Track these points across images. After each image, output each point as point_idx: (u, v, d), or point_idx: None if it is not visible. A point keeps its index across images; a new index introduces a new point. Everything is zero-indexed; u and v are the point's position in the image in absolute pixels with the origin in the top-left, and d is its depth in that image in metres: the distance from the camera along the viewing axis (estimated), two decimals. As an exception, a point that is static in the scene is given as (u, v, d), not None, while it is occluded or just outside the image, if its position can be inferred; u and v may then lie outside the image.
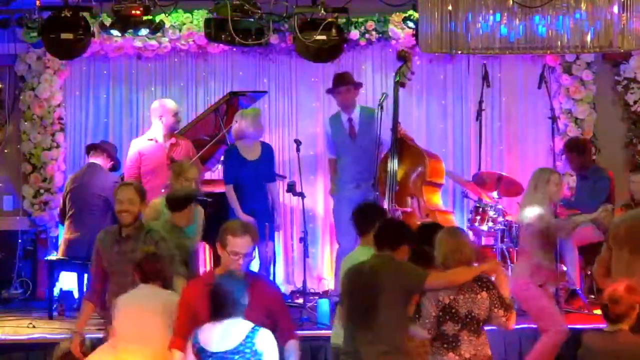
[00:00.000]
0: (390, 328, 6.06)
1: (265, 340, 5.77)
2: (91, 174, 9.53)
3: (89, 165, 9.63)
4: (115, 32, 9.48)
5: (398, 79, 9.84)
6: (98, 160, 9.60)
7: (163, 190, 9.22)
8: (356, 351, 6.13)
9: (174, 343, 6.11)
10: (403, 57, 9.78)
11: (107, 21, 9.54)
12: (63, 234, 9.74)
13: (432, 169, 9.82)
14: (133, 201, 7.15)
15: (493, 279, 6.56)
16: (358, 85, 10.00)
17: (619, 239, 7.36)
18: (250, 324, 5.77)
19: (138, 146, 9.68)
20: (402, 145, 9.83)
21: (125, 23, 9.43)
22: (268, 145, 9.73)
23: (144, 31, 9.55)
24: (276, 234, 9.84)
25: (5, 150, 10.81)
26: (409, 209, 9.66)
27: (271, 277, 9.77)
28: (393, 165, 9.72)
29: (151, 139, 9.65)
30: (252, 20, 9.45)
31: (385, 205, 9.54)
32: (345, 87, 9.87)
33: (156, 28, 9.55)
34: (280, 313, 6.22)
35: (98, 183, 9.46)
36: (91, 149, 9.76)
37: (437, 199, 9.91)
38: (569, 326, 8.62)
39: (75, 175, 9.73)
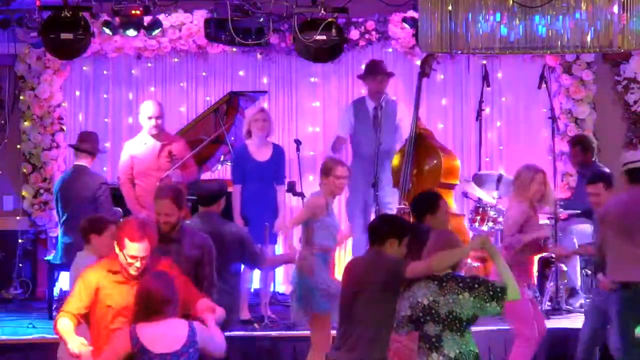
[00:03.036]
0: (370, 322, 6.12)
1: (202, 334, 5.77)
2: (77, 179, 9.48)
3: (75, 169, 9.59)
4: (130, 33, 9.52)
5: (423, 69, 9.81)
6: (83, 161, 9.56)
7: (158, 184, 9.22)
8: (341, 344, 6.25)
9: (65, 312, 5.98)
10: None
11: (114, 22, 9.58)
12: (60, 237, 9.71)
13: (447, 170, 9.72)
14: (169, 213, 6.93)
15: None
16: (391, 75, 9.97)
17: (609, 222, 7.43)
18: (185, 322, 5.76)
19: (129, 149, 9.63)
20: (419, 141, 9.78)
21: (126, 23, 9.46)
22: (279, 147, 9.72)
23: (132, 32, 9.60)
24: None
25: (5, 150, 10.81)
26: None
27: (272, 278, 9.81)
28: (409, 161, 9.68)
29: (141, 141, 9.64)
30: (252, 20, 9.47)
31: (398, 202, 9.56)
32: (382, 76, 9.82)
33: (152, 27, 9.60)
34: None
35: (85, 187, 9.42)
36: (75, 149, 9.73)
37: (450, 202, 9.84)
38: (568, 326, 8.67)
39: (62, 180, 9.67)
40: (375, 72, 9.86)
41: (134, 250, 5.96)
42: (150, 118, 9.51)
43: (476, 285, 6.01)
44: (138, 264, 5.98)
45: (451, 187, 9.84)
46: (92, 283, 6.04)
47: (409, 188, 9.66)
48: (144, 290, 5.76)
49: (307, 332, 8.06)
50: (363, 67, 10.32)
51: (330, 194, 7.99)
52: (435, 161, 9.74)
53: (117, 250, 6.04)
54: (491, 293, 5.99)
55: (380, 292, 6.15)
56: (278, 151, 9.60)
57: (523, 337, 7.77)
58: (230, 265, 7.49)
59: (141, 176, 9.51)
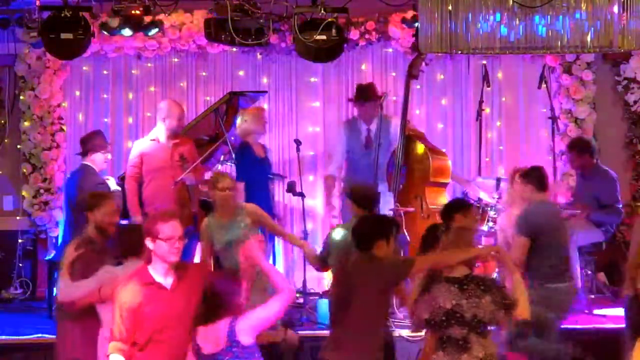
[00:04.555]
0: (365, 323, 6.15)
1: (242, 326, 5.82)
2: (79, 178, 9.51)
3: (79, 168, 9.64)
4: (126, 32, 9.52)
5: (410, 71, 9.81)
6: (87, 160, 9.59)
7: (172, 187, 9.25)
8: (334, 341, 6.29)
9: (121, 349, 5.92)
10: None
11: (113, 22, 9.55)
12: (62, 236, 9.71)
13: (435, 169, 9.74)
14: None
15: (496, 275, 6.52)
16: (382, 98, 9.92)
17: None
18: (226, 322, 5.83)
19: (140, 147, 9.64)
20: (409, 142, 9.78)
21: (130, 23, 9.46)
22: (265, 145, 9.82)
23: (153, 31, 9.61)
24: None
25: (5, 150, 10.81)
26: (411, 209, 9.63)
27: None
28: (399, 162, 9.69)
29: (153, 139, 9.63)
30: (252, 20, 9.46)
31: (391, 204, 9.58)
32: (372, 102, 9.80)
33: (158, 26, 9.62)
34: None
35: (84, 186, 9.44)
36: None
37: (443, 199, 9.81)
38: (568, 326, 8.65)
39: (67, 179, 9.71)
40: (362, 99, 9.84)
41: (168, 230, 5.96)
42: (180, 119, 9.56)
43: (494, 289, 6.01)
44: (177, 245, 5.97)
45: (442, 185, 9.85)
46: (129, 303, 5.96)
47: (399, 188, 9.69)
48: (219, 292, 5.78)
49: (307, 332, 8.08)
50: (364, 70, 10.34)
51: None
52: (423, 162, 9.76)
53: (152, 246, 5.98)
54: (504, 302, 5.99)
55: (376, 297, 6.17)
56: (267, 149, 9.73)
57: None
58: None
59: (152, 174, 9.47)
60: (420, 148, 9.85)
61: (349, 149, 9.94)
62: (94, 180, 9.48)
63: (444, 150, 10.26)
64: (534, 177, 7.87)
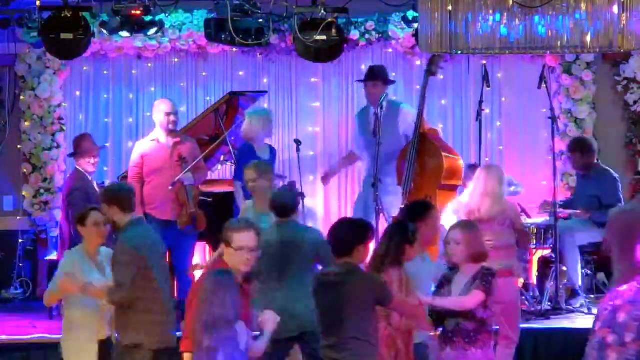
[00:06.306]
0: (355, 336, 6.07)
1: None
2: (76, 183, 9.55)
3: (72, 173, 9.71)
4: (124, 34, 9.52)
5: (430, 68, 9.79)
6: (78, 165, 9.63)
7: (170, 188, 9.25)
8: (333, 354, 6.17)
9: (186, 345, 5.83)
10: None
11: (115, 22, 9.56)
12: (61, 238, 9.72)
13: (448, 171, 9.56)
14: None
15: None
16: (388, 82, 9.91)
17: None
18: None
19: (140, 148, 9.63)
20: (423, 141, 9.74)
21: (130, 24, 9.46)
22: (273, 147, 9.83)
23: (152, 31, 9.61)
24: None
25: (5, 150, 10.81)
26: None
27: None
28: (411, 161, 9.64)
29: (153, 140, 9.63)
30: (252, 20, 9.47)
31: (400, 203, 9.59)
32: (372, 82, 9.79)
33: (159, 28, 9.62)
34: None
35: (82, 190, 9.47)
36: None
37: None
38: (568, 326, 8.67)
39: (64, 183, 9.79)
40: (367, 78, 9.85)
41: (240, 241, 5.83)
42: (168, 114, 9.51)
43: None
44: (247, 256, 5.82)
45: (453, 188, 9.75)
46: None
47: (411, 188, 9.64)
48: None
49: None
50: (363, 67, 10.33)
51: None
52: (436, 163, 9.64)
53: (226, 254, 5.91)
54: None
55: (367, 308, 6.13)
56: (274, 152, 9.74)
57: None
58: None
59: (153, 174, 9.47)
60: (434, 148, 9.70)
61: (362, 137, 9.94)
62: (74, 184, 9.51)
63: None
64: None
